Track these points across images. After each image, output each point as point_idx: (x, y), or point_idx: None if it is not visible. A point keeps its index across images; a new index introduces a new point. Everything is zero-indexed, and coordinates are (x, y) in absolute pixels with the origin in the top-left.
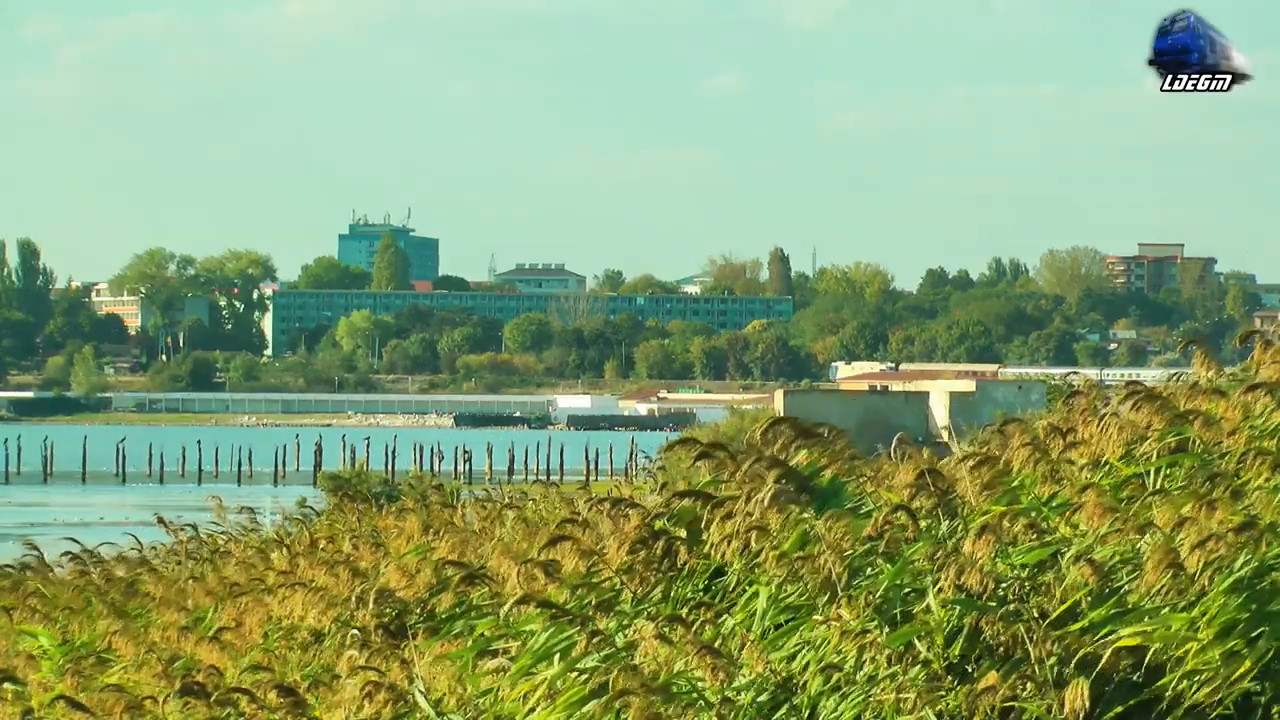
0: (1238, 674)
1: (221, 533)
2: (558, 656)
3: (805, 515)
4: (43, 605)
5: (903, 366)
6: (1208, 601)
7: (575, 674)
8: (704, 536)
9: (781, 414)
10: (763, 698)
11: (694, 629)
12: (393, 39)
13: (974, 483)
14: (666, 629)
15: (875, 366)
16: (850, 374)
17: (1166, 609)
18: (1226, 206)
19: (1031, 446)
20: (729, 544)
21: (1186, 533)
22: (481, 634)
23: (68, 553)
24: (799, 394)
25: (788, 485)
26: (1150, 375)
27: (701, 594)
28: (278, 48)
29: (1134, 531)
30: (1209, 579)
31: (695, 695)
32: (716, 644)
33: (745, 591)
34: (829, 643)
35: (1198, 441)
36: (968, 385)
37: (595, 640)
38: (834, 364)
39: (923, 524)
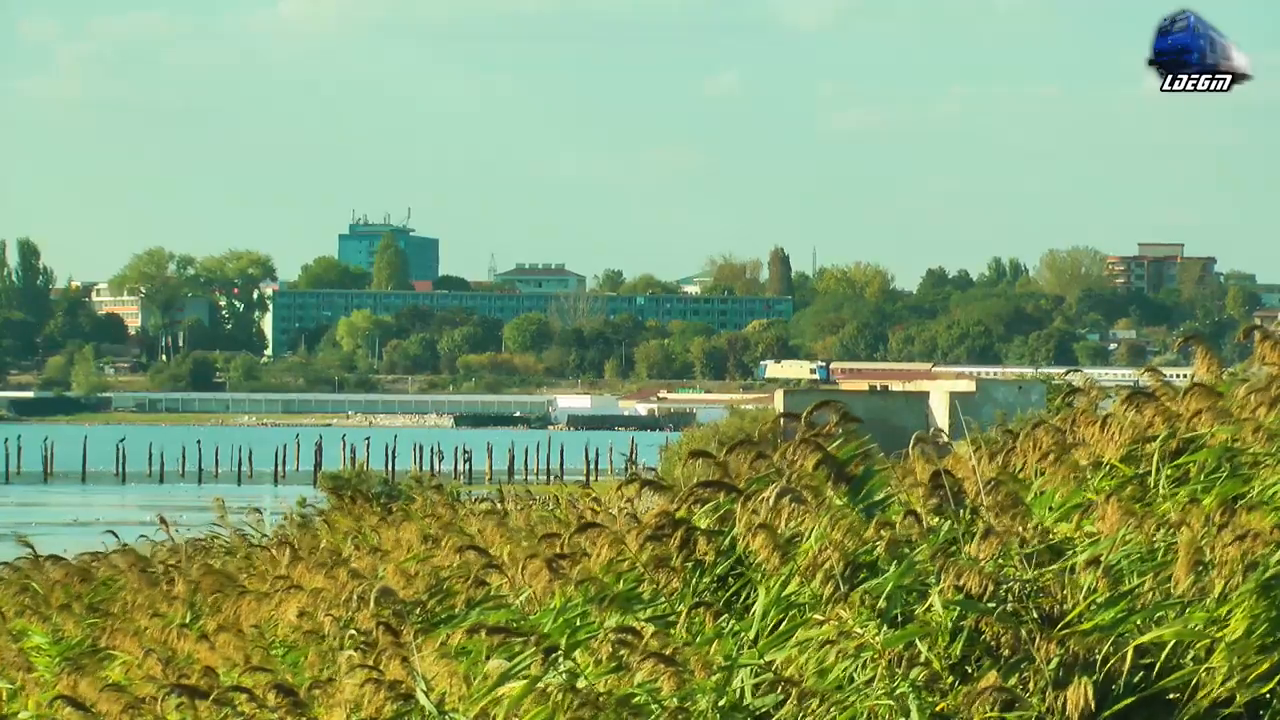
0: (1255, 675)
1: (220, 533)
2: (518, 674)
3: (841, 501)
4: (35, 602)
5: (838, 366)
6: (1234, 600)
7: (536, 694)
8: (724, 529)
9: (782, 414)
10: (723, 701)
11: (645, 641)
12: (391, 39)
13: (990, 503)
14: (624, 636)
15: (806, 366)
16: (780, 372)
17: (1186, 607)
18: (1226, 206)
19: (1055, 450)
20: (741, 542)
21: (1220, 534)
22: (483, 628)
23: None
24: (800, 393)
25: (828, 469)
26: (1137, 374)
27: (716, 588)
28: (277, 47)
29: (1153, 531)
30: (1239, 577)
31: (652, 703)
32: (715, 644)
33: (764, 588)
34: (828, 643)
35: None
36: (968, 385)
37: (550, 658)
38: (764, 362)
39: (930, 523)
